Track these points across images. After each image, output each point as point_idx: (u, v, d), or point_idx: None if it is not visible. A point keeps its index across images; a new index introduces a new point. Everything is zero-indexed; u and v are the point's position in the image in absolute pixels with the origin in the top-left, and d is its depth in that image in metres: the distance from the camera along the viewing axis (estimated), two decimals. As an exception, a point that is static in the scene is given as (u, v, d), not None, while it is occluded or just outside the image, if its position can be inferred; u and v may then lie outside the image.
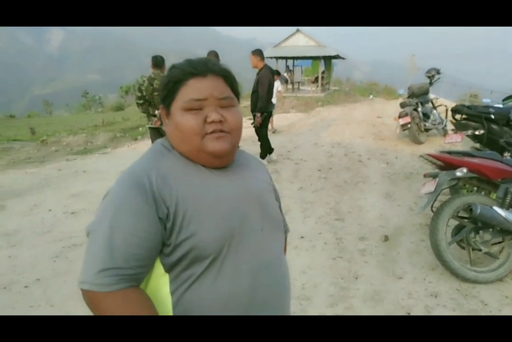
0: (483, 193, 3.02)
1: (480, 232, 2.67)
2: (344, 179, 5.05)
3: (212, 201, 0.85)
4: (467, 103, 6.74)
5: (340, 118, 10.53)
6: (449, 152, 3.11)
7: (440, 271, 2.80)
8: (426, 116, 6.72)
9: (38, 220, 3.94)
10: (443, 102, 8.07)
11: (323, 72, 18.76)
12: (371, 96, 18.11)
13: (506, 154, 3.76)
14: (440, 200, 3.03)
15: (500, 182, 2.85)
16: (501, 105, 5.03)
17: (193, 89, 0.85)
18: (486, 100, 5.66)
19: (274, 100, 5.96)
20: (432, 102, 7.08)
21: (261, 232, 0.90)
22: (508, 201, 2.72)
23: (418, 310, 2.38)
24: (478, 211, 2.55)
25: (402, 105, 6.80)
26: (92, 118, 16.66)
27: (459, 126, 4.71)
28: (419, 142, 6.62)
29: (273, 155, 5.69)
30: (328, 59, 19.52)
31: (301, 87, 20.21)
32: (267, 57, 5.35)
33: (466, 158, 2.92)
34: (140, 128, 10.13)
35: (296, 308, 2.37)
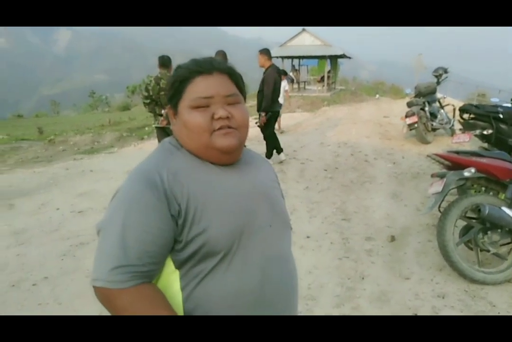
0: (491, 193, 2.99)
1: (489, 232, 2.64)
2: (350, 178, 5.03)
3: (222, 197, 0.85)
4: (475, 103, 6.68)
5: (346, 118, 10.49)
6: (457, 152, 3.08)
7: (448, 271, 2.77)
8: (433, 115, 6.67)
9: (46, 219, 3.98)
10: (450, 101, 8.01)
11: (329, 72, 18.70)
12: (377, 95, 18.02)
13: (515, 154, 3.72)
14: (447, 200, 3.01)
15: (508, 182, 2.82)
16: (509, 105, 4.96)
17: (199, 87, 0.86)
18: (494, 100, 5.59)
19: (281, 100, 5.91)
20: (439, 102, 7.02)
21: (269, 228, 0.90)
22: (517, 201, 2.69)
23: (425, 311, 2.37)
24: (487, 212, 2.53)
25: (409, 104, 6.75)
26: (99, 118, 16.78)
27: (467, 126, 4.66)
28: (426, 142, 6.57)
29: (282, 156, 5.63)
30: (334, 59, 19.45)
31: (307, 87, 20.17)
32: (272, 57, 5.31)
33: (474, 158, 2.89)
34: (146, 128, 10.19)
35: (302, 308, 2.37)
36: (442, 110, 6.90)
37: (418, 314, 2.33)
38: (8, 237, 3.55)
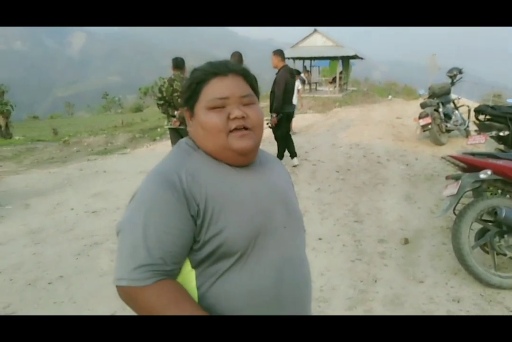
0: (508, 195, 2.93)
1: (505, 236, 2.59)
2: (362, 180, 5.00)
3: (239, 199, 0.86)
4: (490, 104, 6.57)
5: (358, 119, 10.41)
6: (473, 154, 3.03)
7: (463, 275, 2.73)
8: (447, 117, 6.57)
9: (61, 219, 4.05)
10: (465, 102, 7.88)
11: (340, 73, 18.60)
12: (390, 96, 17.84)
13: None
14: (462, 203, 2.96)
15: (526, 185, 2.76)
16: (527, 106, 4.87)
17: (215, 88, 0.88)
18: (510, 100, 5.49)
19: (294, 100, 5.80)
20: (453, 103, 6.92)
21: (284, 229, 0.91)
22: (535, 204, 2.64)
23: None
24: (503, 214, 2.48)
25: (423, 105, 6.67)
26: (112, 119, 17.00)
27: (482, 127, 4.59)
28: (440, 144, 6.48)
29: (295, 160, 5.52)
30: (346, 59, 19.34)
31: (318, 88, 20.08)
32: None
33: (491, 160, 2.84)
34: (159, 129, 10.28)
35: (314, 310, 2.34)
36: (456, 111, 6.80)
37: (433, 318, 2.29)
38: (24, 236, 3.62)
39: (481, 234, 2.74)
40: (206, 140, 0.89)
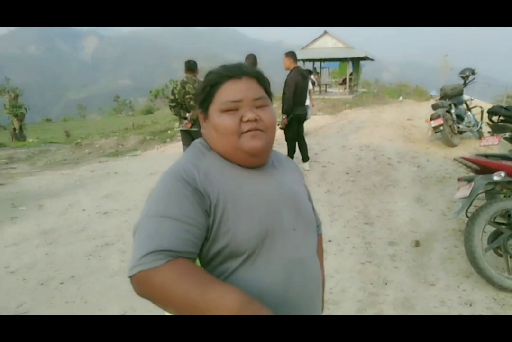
0: (522, 198, 2.88)
1: (519, 239, 2.55)
2: (373, 182, 4.96)
3: (249, 199, 0.87)
4: (504, 105, 6.46)
5: (368, 121, 10.34)
6: (486, 156, 2.99)
7: (475, 278, 2.69)
8: (460, 118, 6.48)
9: (73, 219, 4.11)
10: (478, 103, 7.76)
11: (351, 74, 18.52)
12: (400, 98, 17.72)
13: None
14: (475, 205, 2.91)
15: (541, 187, 2.71)
16: (541, 106, 4.78)
17: (229, 91, 0.89)
18: (525, 101, 5.39)
19: (307, 101, 5.70)
20: (466, 104, 6.82)
21: (294, 231, 0.91)
22: (550, 206, 2.58)
23: (451, 319, 2.30)
24: (517, 217, 2.44)
25: (434, 107, 6.59)
26: (123, 122, 17.20)
27: (496, 129, 4.52)
28: (452, 145, 6.39)
29: (306, 165, 5.47)
30: (356, 61, 19.26)
31: (328, 90, 20.03)
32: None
33: (504, 162, 2.80)
34: (169, 131, 10.36)
35: (323, 312, 2.34)
36: (469, 113, 6.71)
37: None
38: (37, 236, 3.68)
39: (494, 236, 2.70)
40: (219, 142, 0.91)
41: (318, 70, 20.99)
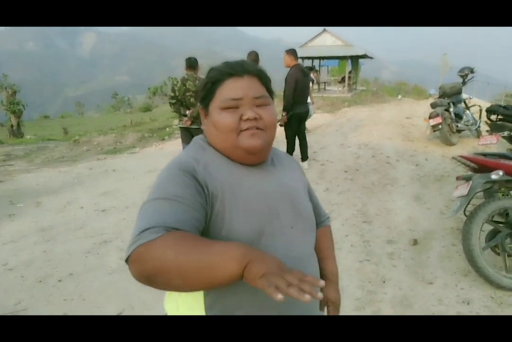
0: (520, 197, 2.88)
1: (517, 237, 2.55)
2: (371, 180, 4.96)
3: (245, 196, 0.87)
4: (502, 103, 6.47)
5: (367, 119, 10.35)
6: (484, 154, 2.99)
7: (473, 277, 2.69)
8: (458, 117, 6.49)
9: (71, 217, 4.10)
10: (476, 102, 7.78)
11: (350, 72, 18.50)
12: (399, 96, 17.71)
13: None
14: (473, 204, 2.92)
15: (539, 186, 2.71)
16: (540, 105, 4.79)
17: (230, 88, 0.89)
18: (523, 100, 5.40)
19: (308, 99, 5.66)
20: (465, 103, 6.83)
21: (292, 229, 0.91)
22: (548, 205, 2.59)
23: (449, 317, 2.31)
24: (515, 216, 2.44)
25: (433, 105, 6.59)
26: (121, 119, 17.15)
27: (494, 127, 4.53)
28: (451, 144, 6.40)
29: (305, 164, 5.47)
30: (355, 59, 19.24)
31: (327, 88, 20.01)
32: (294, 57, 5.23)
33: (503, 161, 2.80)
34: (167, 129, 10.34)
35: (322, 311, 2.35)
36: (467, 111, 6.71)
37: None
38: (35, 233, 3.68)
39: (492, 235, 2.71)
40: (218, 139, 0.91)
41: (317, 68, 20.96)
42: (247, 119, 0.87)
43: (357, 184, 4.86)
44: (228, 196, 0.84)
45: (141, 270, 0.67)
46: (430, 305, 2.43)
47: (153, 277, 0.67)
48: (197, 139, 0.99)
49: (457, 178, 3.07)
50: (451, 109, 6.35)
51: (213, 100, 0.91)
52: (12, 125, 17.67)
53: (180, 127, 4.91)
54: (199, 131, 1.00)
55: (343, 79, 18.35)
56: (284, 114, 5.00)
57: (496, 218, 2.75)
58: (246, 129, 0.87)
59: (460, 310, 2.37)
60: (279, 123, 5.16)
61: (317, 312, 0.98)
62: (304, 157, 5.47)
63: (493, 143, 4.30)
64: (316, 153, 6.40)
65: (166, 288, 0.70)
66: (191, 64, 4.67)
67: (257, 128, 0.88)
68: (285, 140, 5.32)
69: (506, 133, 4.35)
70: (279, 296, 0.56)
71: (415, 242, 3.26)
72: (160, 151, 7.62)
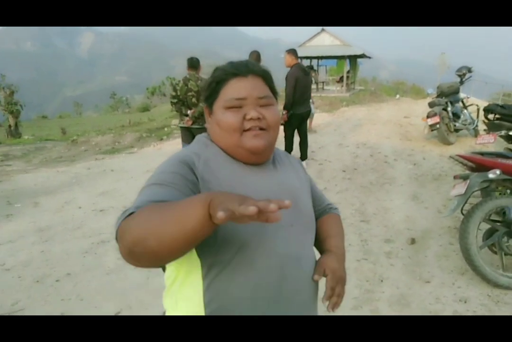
0: (517, 195, 2.89)
1: (514, 236, 2.56)
2: (369, 180, 4.97)
3: (245, 190, 0.87)
4: (500, 103, 6.49)
5: (365, 119, 10.36)
6: (481, 153, 2.99)
7: (470, 276, 2.70)
8: (456, 116, 6.51)
9: (69, 217, 4.09)
10: (474, 101, 7.79)
11: (348, 72, 18.51)
12: (397, 96, 17.73)
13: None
14: (470, 203, 2.93)
15: (536, 185, 2.72)
16: (537, 104, 4.80)
17: (234, 88, 0.90)
18: (521, 99, 5.41)
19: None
20: (462, 102, 6.84)
21: (291, 227, 0.91)
22: (544, 204, 2.60)
23: (446, 316, 2.32)
24: (512, 214, 2.45)
25: (431, 105, 6.60)
26: (119, 119, 17.12)
27: (492, 127, 4.53)
28: (449, 143, 6.41)
29: (304, 164, 5.50)
30: (353, 58, 19.25)
31: (325, 87, 20.03)
32: (292, 57, 5.21)
33: (500, 160, 2.81)
34: (166, 129, 10.33)
35: (319, 309, 2.35)
36: (465, 111, 6.73)
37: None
38: (33, 233, 3.67)
39: (489, 234, 2.71)
40: (221, 138, 0.92)
41: (315, 68, 20.98)
42: (251, 119, 0.88)
43: (355, 183, 4.86)
44: (227, 190, 0.85)
45: (124, 245, 0.67)
46: (428, 303, 2.44)
47: (133, 248, 0.66)
48: (200, 137, 1.01)
49: (455, 177, 3.07)
50: (449, 109, 6.36)
51: (217, 99, 0.92)
52: (10, 126, 17.61)
53: (181, 127, 4.90)
54: (201, 131, 1.01)
55: (341, 79, 18.37)
56: (284, 112, 4.97)
57: (493, 217, 2.76)
58: (249, 129, 0.89)
59: (457, 309, 2.37)
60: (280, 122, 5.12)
61: (315, 311, 0.98)
62: (304, 156, 5.46)
63: (490, 142, 4.31)
64: (314, 152, 6.40)
65: (146, 259, 0.68)
66: (193, 64, 4.67)
67: (260, 129, 0.89)
68: (282, 139, 5.31)
69: (503, 132, 4.36)
70: (251, 208, 0.53)
71: (412, 241, 3.27)
72: (158, 151, 7.61)
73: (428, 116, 6.23)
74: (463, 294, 2.53)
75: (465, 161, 2.95)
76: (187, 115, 4.66)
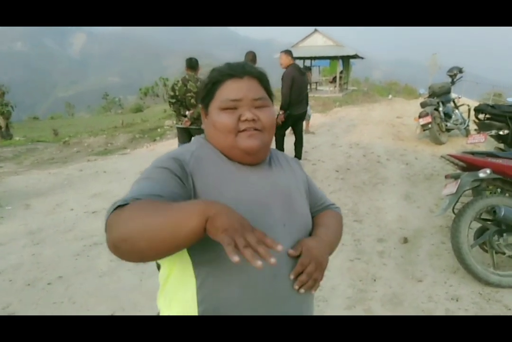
0: (507, 194, 2.93)
1: (504, 234, 2.59)
2: (362, 180, 4.99)
3: (237, 191, 0.88)
4: (490, 103, 6.56)
5: (358, 119, 10.41)
6: (472, 153, 3.03)
7: (462, 274, 2.73)
8: (447, 116, 6.57)
9: (61, 219, 4.05)
10: (465, 101, 7.87)
11: (341, 72, 18.58)
12: (390, 96, 17.83)
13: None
14: (462, 202, 2.96)
15: (525, 183, 2.76)
16: (527, 104, 4.86)
17: (229, 90, 0.91)
18: (510, 99, 5.48)
19: None
20: (454, 102, 6.91)
21: (283, 227, 0.91)
22: (534, 203, 2.63)
23: (438, 314, 2.33)
24: (502, 213, 2.48)
25: (423, 105, 6.66)
26: (112, 120, 17.00)
27: (482, 126, 4.59)
28: (440, 143, 6.47)
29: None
30: (346, 59, 19.33)
31: (318, 88, 20.06)
32: (285, 58, 5.20)
33: (490, 159, 2.84)
34: (159, 130, 10.28)
35: (316, 309, 2.36)
36: (456, 111, 6.80)
37: (431, 317, 2.30)
38: (24, 236, 3.63)
39: (480, 232, 2.74)
40: (217, 138, 0.93)
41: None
42: (245, 120, 0.89)
43: (348, 183, 4.88)
44: (213, 191, 0.85)
45: (111, 238, 0.69)
46: (420, 302, 2.46)
47: (120, 243, 0.67)
48: (198, 137, 1.02)
49: (446, 177, 3.11)
50: (441, 109, 6.42)
51: (213, 100, 0.93)
52: (0, 127, 17.42)
53: (178, 128, 4.87)
54: (199, 132, 1.02)
55: (334, 79, 18.43)
56: (281, 113, 4.95)
57: (484, 216, 2.79)
58: (244, 130, 0.89)
59: (449, 307, 2.39)
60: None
61: (309, 310, 0.98)
62: (298, 157, 5.46)
63: (481, 142, 4.36)
64: (307, 153, 6.41)
65: (133, 255, 0.69)
66: (192, 64, 4.66)
67: (255, 130, 0.90)
68: (274, 139, 5.29)
69: (493, 132, 4.41)
70: (235, 258, 0.58)
71: (405, 240, 3.29)
72: (151, 152, 7.58)
73: (420, 116, 6.28)
74: (455, 292, 2.55)
75: (456, 161, 2.98)
76: (185, 115, 4.64)
